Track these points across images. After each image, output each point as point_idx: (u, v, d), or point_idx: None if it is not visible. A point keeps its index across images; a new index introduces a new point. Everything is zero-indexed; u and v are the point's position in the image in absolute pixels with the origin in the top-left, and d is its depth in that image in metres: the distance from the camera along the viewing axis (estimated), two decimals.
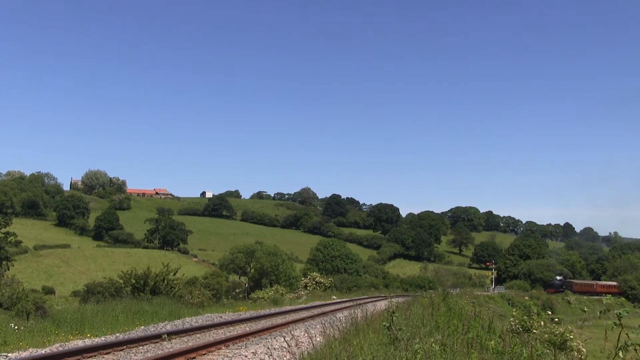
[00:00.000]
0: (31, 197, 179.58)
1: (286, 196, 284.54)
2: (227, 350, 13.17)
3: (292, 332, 16.12)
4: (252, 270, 77.88)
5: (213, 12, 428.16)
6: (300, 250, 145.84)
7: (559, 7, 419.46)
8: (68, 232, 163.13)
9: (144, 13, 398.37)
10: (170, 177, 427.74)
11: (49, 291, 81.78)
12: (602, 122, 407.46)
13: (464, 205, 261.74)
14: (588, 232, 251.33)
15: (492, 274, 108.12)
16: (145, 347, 13.94)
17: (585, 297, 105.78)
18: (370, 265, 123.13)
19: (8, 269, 71.84)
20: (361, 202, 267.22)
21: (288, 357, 11.95)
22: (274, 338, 15.01)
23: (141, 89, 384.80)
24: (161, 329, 18.38)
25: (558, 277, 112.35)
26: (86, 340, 15.08)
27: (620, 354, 5.22)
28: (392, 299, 20.41)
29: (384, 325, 10.17)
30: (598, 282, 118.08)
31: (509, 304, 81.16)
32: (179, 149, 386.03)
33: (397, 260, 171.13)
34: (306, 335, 14.89)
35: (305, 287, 63.31)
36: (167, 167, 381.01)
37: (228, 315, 24.73)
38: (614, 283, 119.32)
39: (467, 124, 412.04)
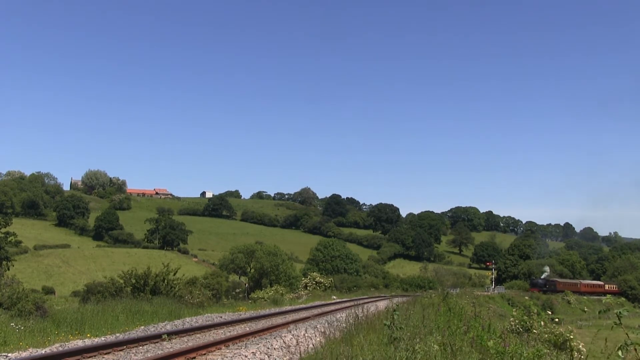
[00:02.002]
0: (31, 197, 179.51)
1: (286, 196, 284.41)
2: (227, 351, 13.16)
3: (292, 332, 16.12)
4: (252, 270, 77.86)
5: (213, 11, 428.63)
6: (300, 250, 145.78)
7: (562, 6, 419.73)
8: (68, 232, 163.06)
9: (144, 13, 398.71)
10: (170, 177, 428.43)
11: (49, 291, 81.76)
12: (602, 122, 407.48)
13: (464, 205, 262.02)
14: (588, 232, 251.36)
15: (492, 274, 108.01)
16: (145, 347, 13.94)
17: (585, 297, 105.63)
18: (370, 265, 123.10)
19: (8, 269, 71.78)
20: (361, 202, 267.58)
21: (288, 357, 11.95)
22: (274, 338, 15.00)
23: (141, 89, 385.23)
24: (161, 329, 18.38)
25: (542, 276, 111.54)
26: (86, 340, 15.08)
27: (620, 353, 5.21)
28: (393, 299, 20.41)
29: (385, 324, 10.17)
30: (582, 281, 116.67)
31: (509, 304, 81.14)
32: (179, 149, 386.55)
33: (397, 260, 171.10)
34: (306, 335, 14.89)
35: (305, 287, 63.33)
36: (167, 167, 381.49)
37: (228, 315, 24.73)
38: (600, 282, 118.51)
39: (467, 124, 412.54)
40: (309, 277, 67.60)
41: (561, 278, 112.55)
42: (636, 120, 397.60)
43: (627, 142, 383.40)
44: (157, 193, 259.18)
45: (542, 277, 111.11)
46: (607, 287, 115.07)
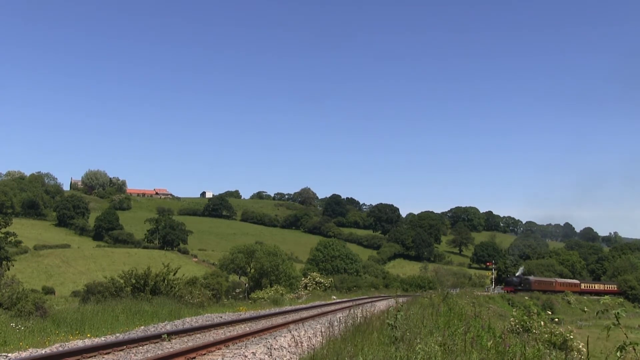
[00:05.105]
0: (31, 197, 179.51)
1: (286, 196, 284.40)
2: (227, 351, 13.17)
3: (292, 332, 16.13)
4: (252, 270, 77.84)
5: (213, 11, 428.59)
6: (300, 250, 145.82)
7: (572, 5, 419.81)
8: (68, 232, 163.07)
9: (143, 13, 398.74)
10: (170, 177, 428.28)
11: (49, 291, 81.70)
12: (601, 122, 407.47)
13: (464, 205, 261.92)
14: (588, 232, 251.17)
15: (492, 274, 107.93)
16: (145, 347, 13.95)
17: (585, 297, 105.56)
18: (370, 265, 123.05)
19: (8, 269, 71.65)
20: (361, 202, 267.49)
21: (288, 357, 11.97)
22: (274, 338, 15.01)
23: (141, 89, 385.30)
24: (161, 329, 18.38)
25: (517, 274, 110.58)
26: (86, 340, 15.08)
27: (619, 354, 5.23)
28: (397, 299, 20.43)
29: (388, 323, 10.19)
30: (557, 279, 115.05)
31: (509, 304, 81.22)
32: (179, 149, 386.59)
33: (397, 260, 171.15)
34: (306, 335, 14.89)
35: (305, 287, 63.36)
36: (167, 167, 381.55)
37: (228, 315, 24.73)
38: (576, 281, 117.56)
39: (466, 123, 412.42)
40: (309, 277, 67.62)
41: (534, 276, 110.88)
42: (627, 118, 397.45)
43: (622, 140, 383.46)
44: (157, 193, 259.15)
45: (517, 274, 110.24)
46: (583, 285, 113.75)
